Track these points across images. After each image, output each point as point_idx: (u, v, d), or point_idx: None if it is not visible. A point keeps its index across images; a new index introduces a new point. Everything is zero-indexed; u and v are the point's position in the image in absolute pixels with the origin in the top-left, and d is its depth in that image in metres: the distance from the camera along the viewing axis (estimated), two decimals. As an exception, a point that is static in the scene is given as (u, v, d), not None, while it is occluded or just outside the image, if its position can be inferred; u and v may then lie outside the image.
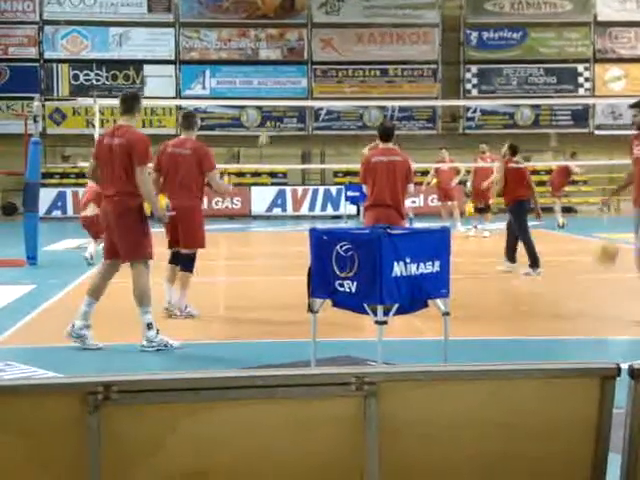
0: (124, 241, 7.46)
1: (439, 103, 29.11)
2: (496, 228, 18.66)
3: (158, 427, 2.42)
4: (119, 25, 29.23)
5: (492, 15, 29.91)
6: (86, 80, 29.18)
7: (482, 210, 19.14)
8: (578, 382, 2.57)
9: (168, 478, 2.45)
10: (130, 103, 7.68)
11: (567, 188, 28.38)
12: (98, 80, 29.20)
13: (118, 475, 2.42)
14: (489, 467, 2.61)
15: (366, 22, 29.72)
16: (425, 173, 21.34)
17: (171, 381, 2.40)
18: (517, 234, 12.84)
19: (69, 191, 27.51)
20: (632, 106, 8.51)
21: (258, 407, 2.46)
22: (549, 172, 29.16)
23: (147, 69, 29.28)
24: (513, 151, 13.68)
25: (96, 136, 16.66)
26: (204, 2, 29.50)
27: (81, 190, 27.38)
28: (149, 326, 7.48)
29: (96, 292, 7.63)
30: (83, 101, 25.01)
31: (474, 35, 30.04)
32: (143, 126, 27.74)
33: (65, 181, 28.29)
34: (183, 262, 8.94)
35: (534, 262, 12.46)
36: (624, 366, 2.54)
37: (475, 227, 19.26)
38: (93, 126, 19.06)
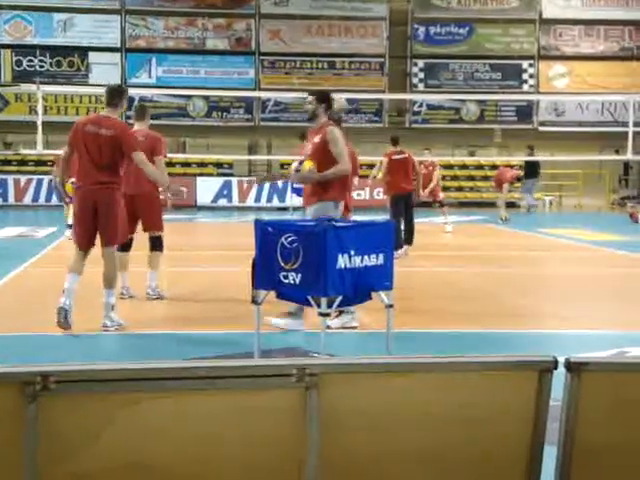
0: (111, 227, 7.80)
1: (386, 96, 29.22)
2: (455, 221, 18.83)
3: (97, 418, 2.40)
4: (64, 11, 28.79)
5: (439, 10, 30.10)
6: (29, 66, 28.71)
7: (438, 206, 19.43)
8: (516, 375, 2.61)
9: (107, 469, 2.43)
10: (117, 97, 8.01)
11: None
12: (42, 66, 28.74)
13: (56, 466, 2.39)
14: (429, 459, 2.63)
15: (314, 14, 29.69)
16: (371, 166, 21.41)
17: (110, 371, 2.38)
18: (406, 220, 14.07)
19: (10, 178, 27.08)
20: (310, 93, 8.30)
21: (199, 398, 2.46)
22: (494, 167, 29.52)
23: (92, 56, 28.90)
24: (394, 142, 14.30)
25: (39, 123, 16.49)
26: (151, -10, 29.23)
27: (23, 178, 27.10)
28: (113, 307, 7.81)
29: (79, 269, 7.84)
30: (26, 87, 24.60)
31: (421, 30, 30.20)
32: (87, 113, 27.42)
33: (6, 168, 27.82)
34: (154, 244, 9.54)
35: (398, 246, 13.31)
36: (561, 359, 2.58)
37: None
38: (36, 113, 18.75)
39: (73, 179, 8.30)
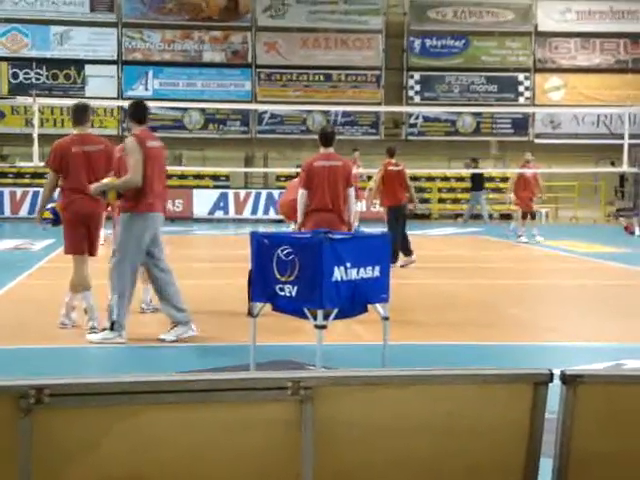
0: (99, 236, 8.30)
1: (382, 109, 29.25)
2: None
3: (91, 431, 2.39)
4: (60, 24, 28.82)
5: (435, 23, 30.17)
6: (26, 79, 28.73)
7: (530, 216, 19.55)
8: (512, 387, 2.61)
9: (102, 482, 2.42)
10: (86, 114, 8.44)
11: (511, 195, 28.80)
12: (38, 79, 28.75)
13: (51, 479, 2.39)
14: (425, 470, 2.63)
15: (311, 27, 29.75)
16: (368, 178, 21.42)
17: (105, 385, 2.37)
18: (399, 231, 13.95)
19: (7, 191, 27.05)
20: (130, 104, 8.32)
21: (194, 411, 2.45)
22: (489, 179, 29.53)
23: (89, 69, 28.93)
24: (390, 154, 14.42)
25: (35, 135, 16.50)
26: (147, 3, 29.25)
27: (19, 190, 27.05)
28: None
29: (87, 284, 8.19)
30: (22, 100, 24.59)
31: (417, 42, 30.27)
32: (84, 126, 27.41)
33: (2, 181, 27.79)
34: None
35: (396, 257, 13.55)
36: (556, 372, 2.58)
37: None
38: (32, 125, 18.75)
39: (55, 204, 8.53)
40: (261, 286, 6.28)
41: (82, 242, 8.15)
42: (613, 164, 26.41)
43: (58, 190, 8.43)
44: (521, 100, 30.40)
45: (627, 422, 2.62)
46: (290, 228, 15.92)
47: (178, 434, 2.46)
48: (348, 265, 6.05)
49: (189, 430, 2.46)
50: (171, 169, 25.52)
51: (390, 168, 14.29)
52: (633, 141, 21.09)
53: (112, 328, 7.67)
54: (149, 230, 7.73)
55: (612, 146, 24.41)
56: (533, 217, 19.66)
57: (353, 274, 6.09)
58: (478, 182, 26.78)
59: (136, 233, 7.68)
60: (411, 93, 30.20)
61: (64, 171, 8.12)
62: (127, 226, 7.69)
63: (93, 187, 7.77)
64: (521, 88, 30.49)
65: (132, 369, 6.90)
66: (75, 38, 28.89)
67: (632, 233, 22.40)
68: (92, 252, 8.25)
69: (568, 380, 2.55)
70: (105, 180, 7.80)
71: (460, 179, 29.23)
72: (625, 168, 20.68)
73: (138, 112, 7.96)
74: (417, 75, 30.29)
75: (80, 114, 8.35)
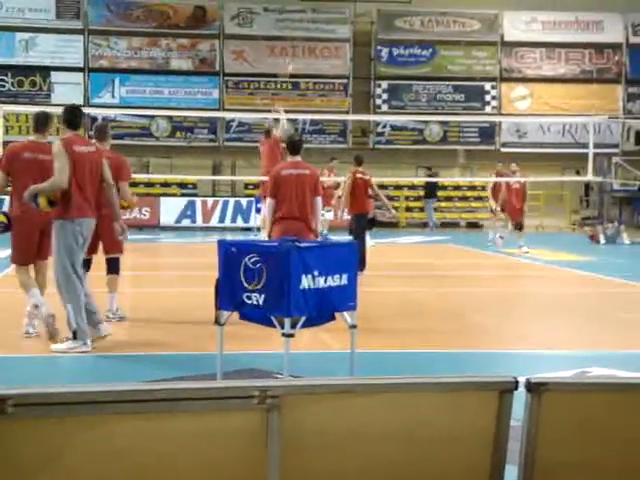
0: (50, 243, 8.02)
1: (349, 117, 29.32)
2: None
3: (57, 441, 2.37)
4: (26, 30, 28.61)
5: (402, 32, 30.32)
6: (-10, 85, 28.49)
7: (519, 227, 19.49)
8: (477, 395, 2.62)
9: (66, 493, 2.40)
10: (47, 123, 8.39)
11: (474, 204, 29.07)
12: (3, 86, 28.51)
13: (14, 491, 2.36)
14: (391, 478, 2.63)
15: (278, 35, 29.78)
16: (336, 187, 21.44)
17: (69, 394, 2.35)
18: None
19: (-29, 198, 26.77)
20: (64, 108, 8.21)
21: (159, 420, 2.43)
22: (456, 188, 29.72)
23: (55, 76, 28.72)
24: (358, 162, 14.51)
25: None
26: (113, 10, 29.12)
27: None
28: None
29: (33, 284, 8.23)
30: (-13, 107, 24.35)
31: (385, 51, 30.41)
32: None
33: (-33, 188, 27.49)
34: (113, 266, 9.51)
35: (363, 265, 13.16)
36: (522, 379, 2.59)
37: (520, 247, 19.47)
38: (-3, 133, 18.54)
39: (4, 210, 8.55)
40: (228, 294, 6.27)
41: (30, 254, 8.21)
42: (578, 173, 26.67)
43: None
44: (487, 109, 30.64)
45: (592, 430, 2.63)
46: (258, 237, 15.91)
47: (143, 444, 2.44)
48: (316, 273, 6.06)
49: (154, 440, 2.44)
50: (138, 177, 25.42)
51: (358, 176, 14.34)
52: (598, 150, 21.30)
53: (75, 337, 7.62)
54: (80, 234, 7.74)
55: (577, 155, 24.64)
56: (520, 228, 19.61)
57: (320, 282, 6.10)
58: (432, 190, 27.90)
59: (69, 238, 7.67)
60: (379, 102, 30.32)
61: (12, 176, 8.17)
62: (59, 233, 7.69)
63: (24, 194, 7.72)
64: (487, 97, 30.72)
65: (97, 378, 6.85)
66: (41, 45, 28.68)
67: (597, 242, 22.63)
68: (43, 256, 8.27)
69: (533, 388, 2.57)
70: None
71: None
72: (590, 177, 20.89)
73: (69, 117, 7.96)
74: (384, 84, 30.42)
75: (41, 123, 8.38)
